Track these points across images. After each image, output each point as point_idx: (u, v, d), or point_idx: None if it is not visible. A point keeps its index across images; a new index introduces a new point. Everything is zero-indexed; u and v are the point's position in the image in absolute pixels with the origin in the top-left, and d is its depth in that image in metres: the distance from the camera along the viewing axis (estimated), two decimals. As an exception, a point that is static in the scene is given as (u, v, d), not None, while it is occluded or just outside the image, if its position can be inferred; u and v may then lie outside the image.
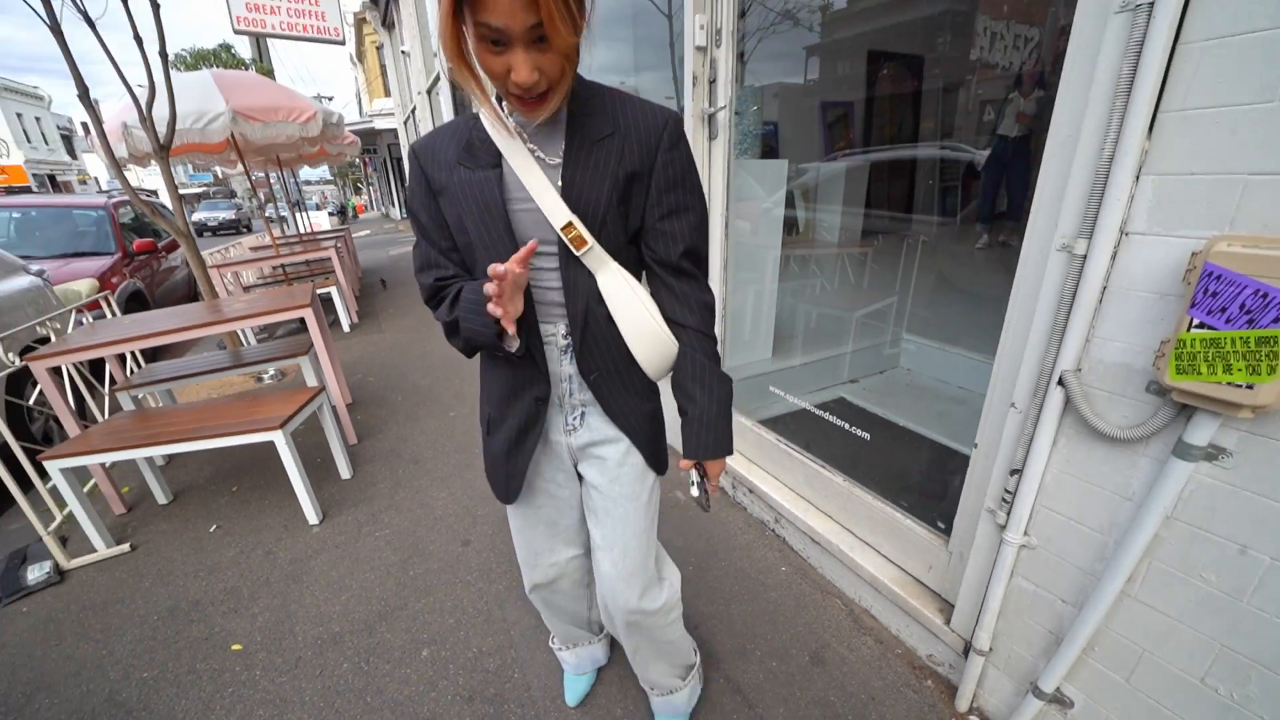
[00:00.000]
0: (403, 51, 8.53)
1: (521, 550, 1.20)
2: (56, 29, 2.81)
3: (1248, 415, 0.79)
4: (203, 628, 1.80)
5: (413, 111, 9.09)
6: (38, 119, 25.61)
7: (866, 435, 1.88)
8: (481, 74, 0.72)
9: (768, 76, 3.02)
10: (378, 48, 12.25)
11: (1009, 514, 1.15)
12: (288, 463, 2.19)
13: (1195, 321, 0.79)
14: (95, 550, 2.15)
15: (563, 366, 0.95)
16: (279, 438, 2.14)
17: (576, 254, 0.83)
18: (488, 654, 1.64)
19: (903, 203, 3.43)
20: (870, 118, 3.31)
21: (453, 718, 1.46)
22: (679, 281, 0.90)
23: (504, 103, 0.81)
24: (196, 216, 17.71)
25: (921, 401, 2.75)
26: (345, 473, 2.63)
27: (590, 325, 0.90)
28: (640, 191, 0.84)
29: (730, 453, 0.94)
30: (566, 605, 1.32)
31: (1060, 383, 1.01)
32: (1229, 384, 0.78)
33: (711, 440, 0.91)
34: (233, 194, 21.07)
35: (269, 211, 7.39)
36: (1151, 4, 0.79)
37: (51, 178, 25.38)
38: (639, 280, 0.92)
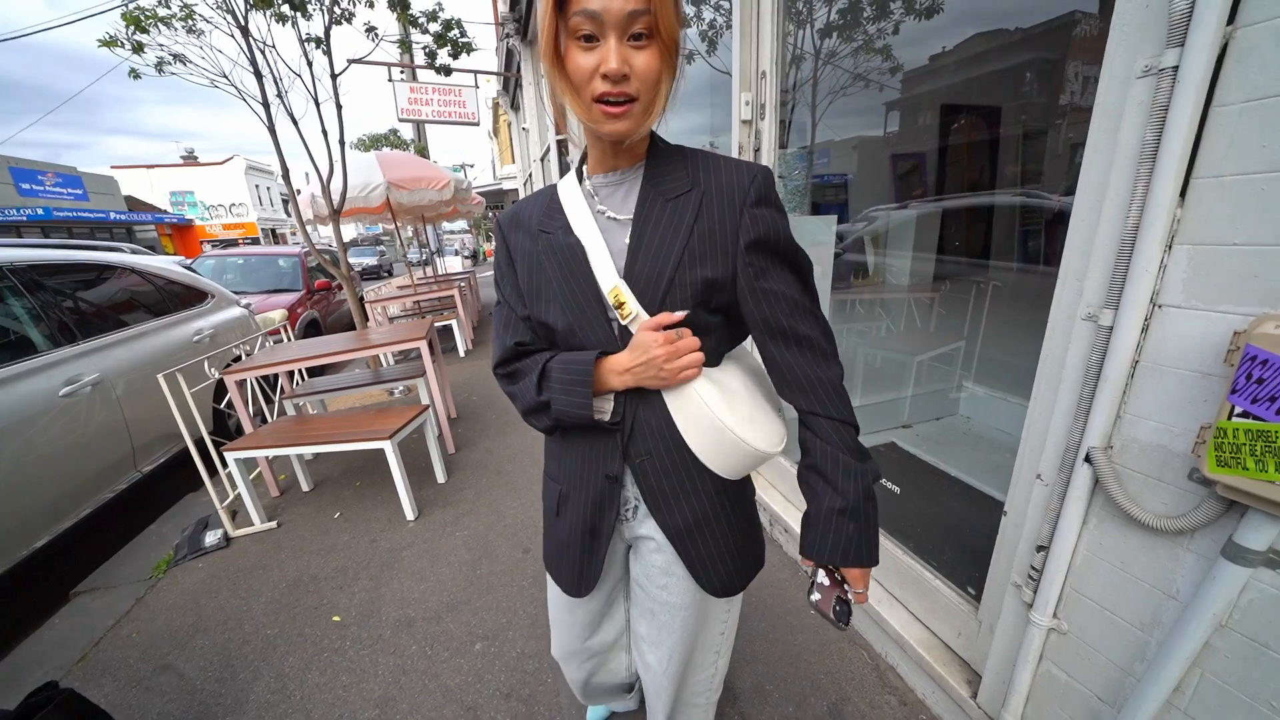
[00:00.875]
0: (523, 129, 9.36)
1: (554, 629, 1.04)
2: (271, 129, 3.42)
3: (1315, 521, 0.61)
4: (315, 599, 1.98)
5: (530, 176, 9.89)
6: (268, 188, 31.17)
7: (897, 489, 1.68)
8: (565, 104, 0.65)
9: (844, 131, 2.90)
10: (508, 125, 13.55)
11: (1035, 592, 0.97)
12: (393, 467, 2.39)
13: (1237, 410, 0.64)
14: (253, 524, 2.47)
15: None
16: (388, 447, 2.35)
17: (623, 323, 0.70)
18: (529, 656, 1.65)
19: (979, 248, 3.11)
20: (943, 166, 3.07)
21: (491, 710, 1.47)
22: (787, 352, 0.70)
23: (582, 171, 0.75)
24: (346, 261, 18.55)
25: (977, 451, 2.43)
26: (441, 477, 2.81)
27: (640, 405, 0.73)
28: (723, 255, 0.68)
29: (866, 563, 0.68)
30: (596, 691, 1.16)
31: (1088, 459, 0.84)
32: (1284, 483, 0.61)
33: (818, 541, 0.69)
34: (378, 242, 22.62)
35: (411, 256, 8.29)
36: (1176, 67, 0.67)
37: (273, 230, 30.61)
38: (720, 359, 0.77)
